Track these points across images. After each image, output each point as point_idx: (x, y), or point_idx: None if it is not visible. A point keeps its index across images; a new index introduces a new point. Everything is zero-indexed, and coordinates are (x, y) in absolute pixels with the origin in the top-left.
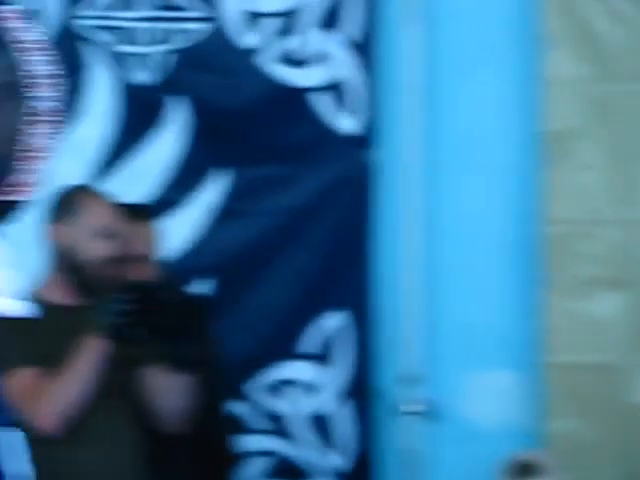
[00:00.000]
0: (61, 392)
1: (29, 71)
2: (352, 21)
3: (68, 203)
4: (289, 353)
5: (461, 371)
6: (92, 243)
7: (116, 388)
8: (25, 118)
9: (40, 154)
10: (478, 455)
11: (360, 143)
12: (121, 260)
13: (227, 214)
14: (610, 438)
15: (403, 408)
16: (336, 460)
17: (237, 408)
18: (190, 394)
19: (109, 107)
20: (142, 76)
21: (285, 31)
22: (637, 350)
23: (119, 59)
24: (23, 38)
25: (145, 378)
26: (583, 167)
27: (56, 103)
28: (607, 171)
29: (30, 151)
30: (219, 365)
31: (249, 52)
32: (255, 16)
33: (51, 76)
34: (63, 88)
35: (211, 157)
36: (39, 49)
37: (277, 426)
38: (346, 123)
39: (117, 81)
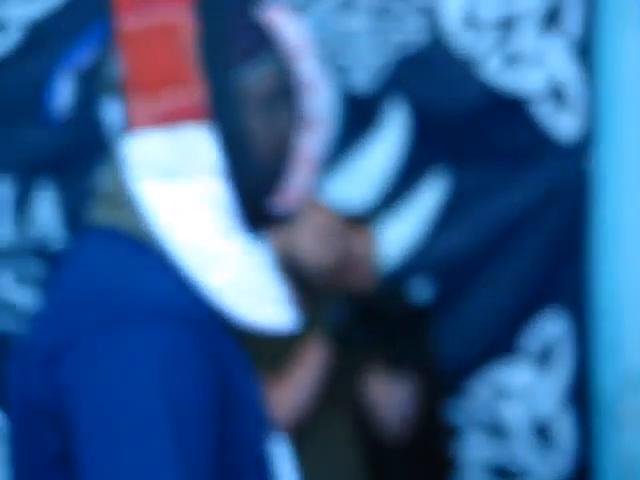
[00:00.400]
0: (281, 400)
1: (299, 77)
2: (572, 24)
3: None
4: (508, 356)
5: None
6: (313, 249)
7: (338, 399)
8: (296, 125)
9: (310, 164)
10: None
11: (579, 149)
12: (342, 266)
13: (444, 219)
14: None
15: (626, 412)
16: (555, 465)
17: (454, 412)
18: (413, 400)
19: (327, 112)
20: (362, 84)
21: (504, 37)
22: None
23: (340, 68)
24: (293, 43)
25: (368, 387)
26: None
27: (325, 110)
28: None
29: (300, 159)
30: (438, 371)
31: (468, 59)
32: (474, 23)
33: (320, 83)
34: (331, 93)
35: (429, 163)
36: (308, 55)
37: (495, 430)
38: (565, 129)
39: (338, 89)
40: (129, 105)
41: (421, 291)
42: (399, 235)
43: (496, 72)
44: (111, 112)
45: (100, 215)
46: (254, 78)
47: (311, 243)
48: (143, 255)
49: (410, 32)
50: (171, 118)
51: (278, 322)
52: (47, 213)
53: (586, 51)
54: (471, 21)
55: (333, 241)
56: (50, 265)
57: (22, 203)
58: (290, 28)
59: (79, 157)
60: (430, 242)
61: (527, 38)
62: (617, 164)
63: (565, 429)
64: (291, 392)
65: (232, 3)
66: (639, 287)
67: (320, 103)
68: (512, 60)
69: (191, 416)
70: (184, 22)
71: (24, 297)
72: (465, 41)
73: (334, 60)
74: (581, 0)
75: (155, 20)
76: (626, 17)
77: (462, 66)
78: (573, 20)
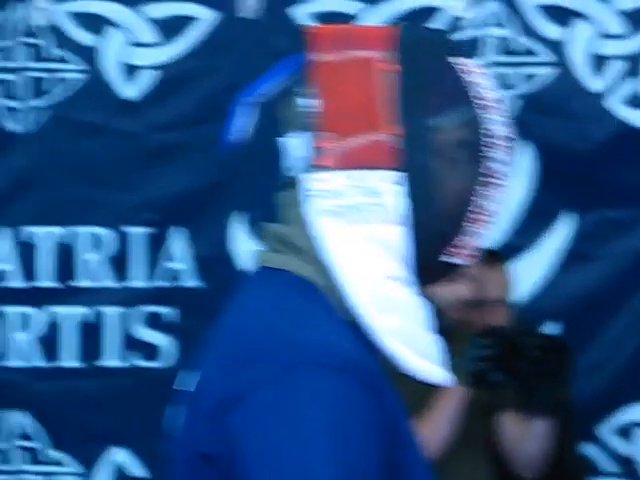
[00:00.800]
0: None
1: (488, 130)
2: None
3: None
4: (637, 395)
5: None
6: (451, 286)
7: (475, 436)
8: (481, 179)
9: (489, 218)
10: None
11: None
12: (477, 304)
13: (575, 257)
14: None
15: None
16: None
17: (588, 450)
18: (549, 439)
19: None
20: None
21: (631, 73)
22: None
23: None
24: (485, 95)
25: (504, 425)
26: None
27: (508, 167)
28: None
29: (480, 214)
30: (573, 408)
31: (596, 95)
32: (601, 59)
33: (507, 138)
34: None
35: (558, 200)
36: (498, 108)
37: (627, 469)
38: None
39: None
40: (319, 141)
41: (551, 329)
42: (529, 274)
43: (623, 107)
44: (295, 146)
45: (270, 256)
46: (449, 128)
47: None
48: (312, 302)
49: (537, 67)
50: (361, 160)
51: (436, 376)
52: (181, 253)
53: None
54: (598, 57)
55: (470, 277)
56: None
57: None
58: (485, 82)
59: (215, 199)
60: (559, 281)
61: None
62: None
63: None
64: (430, 433)
65: (434, 51)
66: None
67: (505, 159)
68: (638, 95)
69: (359, 453)
70: (382, 61)
71: (155, 339)
72: (592, 77)
73: None
74: None
75: (357, 55)
76: None
77: (589, 101)
78: None
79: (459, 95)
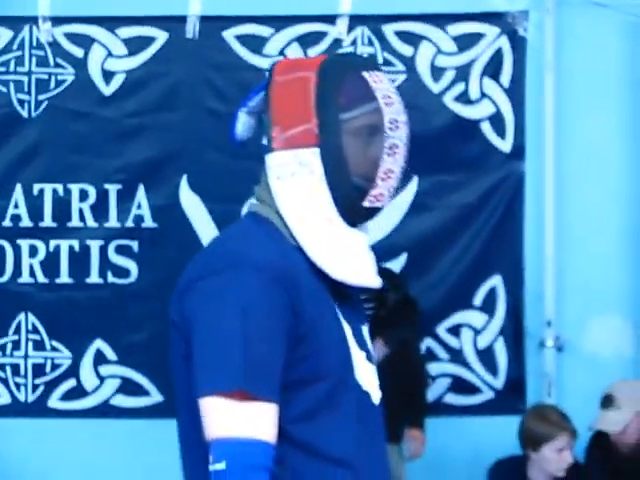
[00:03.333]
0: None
1: (390, 117)
2: (507, 70)
3: None
4: (463, 305)
5: (586, 315)
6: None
7: None
8: (387, 150)
9: (393, 176)
10: (597, 379)
11: (513, 157)
12: None
13: (418, 208)
14: None
15: (543, 344)
16: (496, 381)
17: (429, 343)
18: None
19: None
20: None
21: (461, 78)
22: None
23: None
24: (386, 93)
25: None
26: None
27: (404, 141)
28: None
29: (387, 173)
30: (416, 324)
31: (435, 95)
32: (439, 69)
33: (403, 122)
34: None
35: (407, 168)
36: (395, 102)
37: (455, 356)
38: (504, 143)
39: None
40: (272, 132)
41: (397, 262)
42: (385, 221)
43: (455, 103)
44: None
45: (252, 205)
46: (357, 117)
47: None
48: (264, 231)
49: (392, 74)
50: (297, 142)
51: (369, 282)
52: (144, 203)
53: (516, 90)
54: (436, 67)
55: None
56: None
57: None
58: (387, 85)
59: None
60: (405, 226)
61: (477, 80)
62: (539, 168)
63: (502, 355)
64: None
65: (342, 66)
66: (556, 256)
67: (402, 136)
68: (466, 95)
69: (264, 329)
70: (310, 77)
71: (125, 263)
72: (433, 81)
73: None
74: (512, 54)
75: (296, 76)
76: (543, 66)
77: (431, 98)
78: (507, 69)
79: (365, 93)
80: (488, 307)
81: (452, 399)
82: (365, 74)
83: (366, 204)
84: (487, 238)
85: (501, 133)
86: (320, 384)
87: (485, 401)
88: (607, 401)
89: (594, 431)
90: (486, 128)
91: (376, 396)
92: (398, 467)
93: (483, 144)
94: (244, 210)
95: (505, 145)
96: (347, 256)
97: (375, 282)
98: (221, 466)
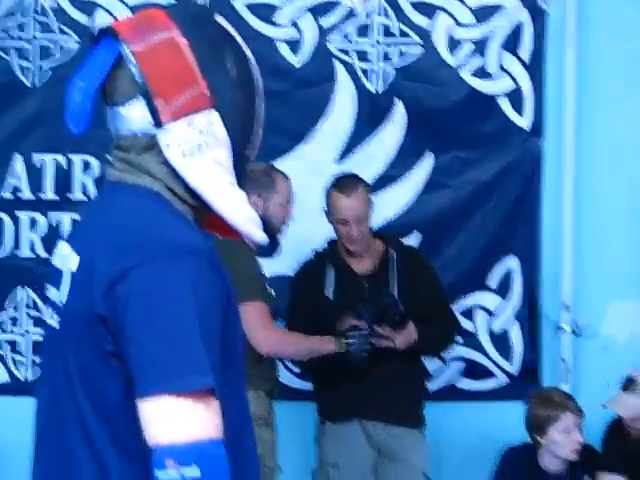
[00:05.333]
0: (289, 343)
1: (257, 79)
2: (527, 44)
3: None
4: (478, 286)
5: (604, 300)
6: (279, 213)
7: None
8: (257, 107)
9: (262, 123)
10: (614, 364)
11: (532, 134)
12: (341, 222)
13: (433, 186)
14: None
15: (560, 328)
16: (511, 366)
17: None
18: None
19: (349, 107)
20: (373, 85)
21: (479, 52)
22: None
23: (357, 72)
24: (247, 53)
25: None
26: None
27: (261, 85)
28: None
29: (259, 122)
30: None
31: (452, 68)
32: (456, 42)
33: (255, 66)
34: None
35: (423, 143)
36: (247, 50)
37: (470, 339)
38: (522, 120)
39: (356, 88)
40: (155, 106)
41: (414, 239)
42: (400, 198)
43: (472, 77)
44: (131, 112)
45: (124, 175)
46: (233, 69)
47: (278, 209)
48: (162, 207)
49: (409, 46)
50: (189, 109)
51: (262, 239)
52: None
53: (536, 64)
54: (455, 40)
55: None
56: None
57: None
58: (240, 41)
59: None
60: (421, 203)
61: (496, 54)
62: (558, 146)
63: (517, 338)
64: (296, 345)
65: (205, 21)
66: (574, 238)
67: (259, 79)
68: (484, 69)
69: (209, 317)
70: (178, 37)
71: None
72: (450, 53)
73: (353, 67)
74: (533, 28)
75: (158, 40)
76: (566, 41)
77: (448, 71)
78: (527, 42)
79: (232, 44)
80: (503, 289)
81: (465, 384)
82: (223, 27)
83: (251, 158)
84: (503, 218)
85: (519, 109)
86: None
87: (499, 386)
88: (628, 383)
89: (612, 418)
90: (504, 104)
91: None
92: (420, 452)
93: (501, 120)
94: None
95: (524, 122)
96: (247, 215)
97: (264, 240)
98: (193, 471)
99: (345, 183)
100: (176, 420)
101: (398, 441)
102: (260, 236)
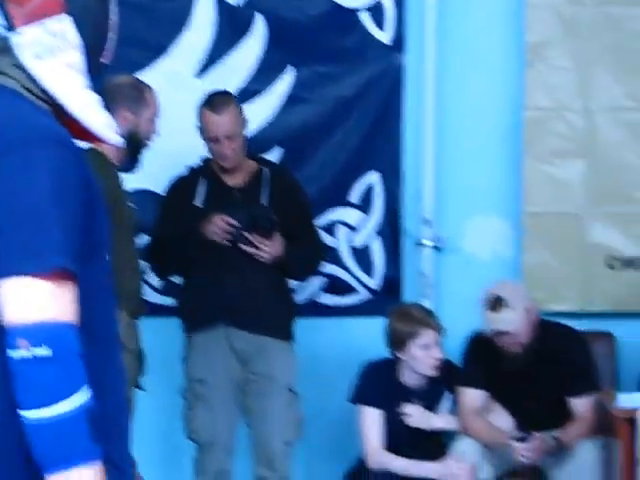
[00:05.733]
0: None
1: None
2: None
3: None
4: (340, 202)
5: (465, 215)
6: (148, 128)
7: None
8: (110, 15)
9: (115, 33)
10: (476, 279)
11: (393, 49)
12: (213, 140)
13: (294, 100)
14: (570, 267)
15: (421, 243)
16: (372, 281)
17: None
18: None
19: (210, 20)
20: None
21: None
22: (592, 203)
23: None
24: None
25: None
26: (555, 69)
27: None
28: (573, 72)
29: (114, 31)
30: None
31: None
32: None
33: None
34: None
35: (283, 58)
36: None
37: (331, 255)
38: (383, 34)
39: (216, 1)
40: (9, 12)
41: (274, 154)
42: (261, 112)
43: None
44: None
45: None
46: None
47: (147, 124)
48: (27, 104)
49: None
50: (41, 14)
51: (117, 142)
52: None
53: None
54: None
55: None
56: None
57: None
58: None
59: None
60: (282, 118)
61: None
62: (419, 61)
63: (379, 254)
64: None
65: None
66: (436, 153)
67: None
68: None
69: (69, 203)
70: None
71: None
72: None
73: None
74: None
75: None
76: None
77: None
78: None
79: None
80: (365, 204)
81: (327, 299)
82: None
83: (104, 60)
84: (365, 133)
85: (381, 24)
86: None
87: (361, 302)
88: (497, 302)
89: (473, 333)
90: (365, 18)
91: None
92: (287, 366)
93: (362, 35)
94: None
95: (385, 36)
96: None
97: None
98: (43, 351)
99: (216, 100)
100: (30, 301)
101: (265, 354)
102: (114, 139)
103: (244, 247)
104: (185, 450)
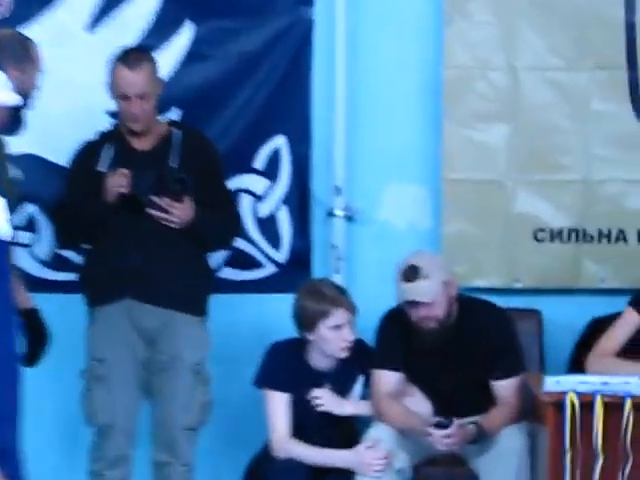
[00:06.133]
0: None
1: None
2: None
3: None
4: (244, 168)
5: (379, 183)
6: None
7: None
8: None
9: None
10: (390, 252)
11: (301, 2)
12: (124, 97)
13: (194, 57)
14: (493, 239)
15: (332, 213)
16: (279, 254)
17: None
18: None
19: None
20: None
21: None
22: (517, 170)
23: None
24: None
25: None
26: (476, 24)
27: None
28: (495, 27)
29: None
30: None
31: None
32: None
33: None
34: None
35: (181, 13)
36: None
37: None
38: None
39: None
40: None
41: (173, 114)
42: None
43: None
44: None
45: None
46: None
47: (32, 81)
48: None
49: None
50: None
51: (15, 101)
52: None
53: None
54: None
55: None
56: None
57: None
58: None
59: None
60: (181, 76)
61: None
62: (329, 16)
63: (286, 225)
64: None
65: None
66: (347, 116)
67: None
68: None
69: None
70: None
71: None
72: None
73: None
74: None
75: None
76: None
77: None
78: None
79: None
80: (271, 171)
81: (230, 274)
82: None
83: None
84: (271, 93)
85: None
86: None
87: (267, 276)
88: (413, 271)
89: (388, 311)
90: None
91: None
92: (196, 345)
93: None
94: None
95: None
96: None
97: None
98: None
99: (131, 55)
100: None
101: (171, 331)
102: (12, 98)
103: (152, 212)
104: (86, 435)
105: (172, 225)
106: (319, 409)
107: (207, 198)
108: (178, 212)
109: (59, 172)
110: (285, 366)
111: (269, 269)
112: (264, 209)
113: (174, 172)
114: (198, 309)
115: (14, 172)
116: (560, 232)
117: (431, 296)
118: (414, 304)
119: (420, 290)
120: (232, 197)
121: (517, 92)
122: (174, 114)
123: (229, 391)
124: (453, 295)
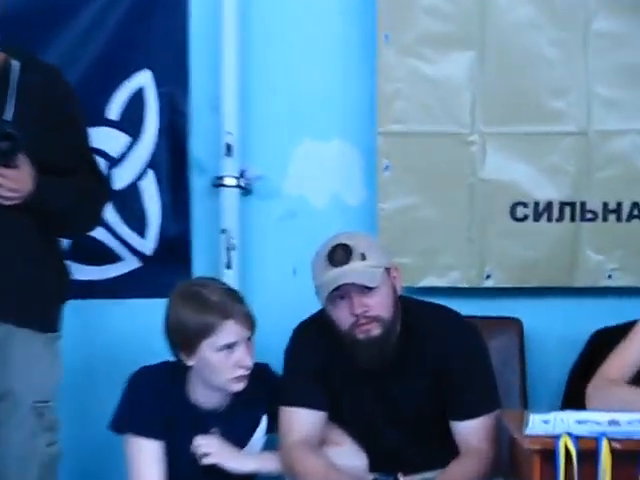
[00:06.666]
0: None
1: None
2: None
3: None
4: (93, 120)
5: (285, 142)
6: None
7: None
8: None
9: None
10: (303, 236)
11: None
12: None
13: None
14: (452, 216)
15: (221, 183)
16: (145, 242)
17: None
18: None
19: None
20: None
21: None
22: (485, 119)
23: None
24: None
25: None
26: None
27: None
28: None
29: None
30: None
31: None
32: None
33: None
34: None
35: None
36: None
37: None
38: None
39: None
40: None
41: None
42: None
43: None
44: None
45: None
46: None
47: None
48: None
49: None
50: None
51: None
52: None
53: None
54: None
55: None
56: None
57: None
58: None
59: None
60: None
61: None
62: None
63: (156, 199)
64: None
65: None
66: (240, 46)
67: None
68: None
69: None
70: None
71: None
72: None
73: None
74: None
75: None
76: None
77: None
78: None
79: None
80: (130, 123)
81: (73, 271)
82: None
83: None
84: (132, 14)
85: None
86: None
87: (126, 275)
88: (344, 251)
89: (304, 320)
90: None
91: None
92: (44, 371)
93: None
94: None
95: None
96: None
97: None
98: None
99: None
100: None
101: (4, 355)
102: None
103: None
104: None
105: (4, 202)
106: (205, 462)
107: (60, 161)
108: (11, 183)
109: None
110: (155, 403)
111: (129, 264)
112: (122, 177)
113: (2, 126)
114: (45, 322)
115: None
116: (548, 207)
117: (374, 279)
118: (349, 294)
119: (358, 271)
120: (94, 157)
121: (485, 7)
122: None
123: (83, 433)
124: (398, 292)
